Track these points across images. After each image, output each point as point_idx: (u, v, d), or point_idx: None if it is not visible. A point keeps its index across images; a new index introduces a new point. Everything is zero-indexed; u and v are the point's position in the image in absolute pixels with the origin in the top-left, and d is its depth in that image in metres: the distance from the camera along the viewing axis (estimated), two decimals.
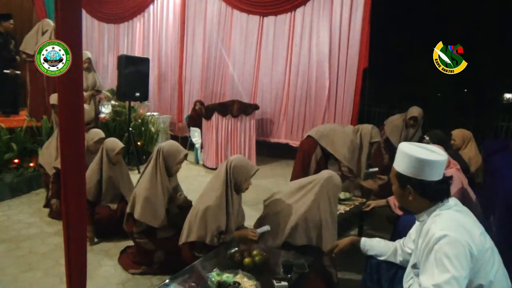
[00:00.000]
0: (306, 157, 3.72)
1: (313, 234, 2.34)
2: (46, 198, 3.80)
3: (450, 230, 1.36)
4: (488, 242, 1.43)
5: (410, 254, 1.75)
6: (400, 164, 1.55)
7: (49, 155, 3.79)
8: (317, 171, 3.64)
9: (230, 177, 2.35)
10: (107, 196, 3.21)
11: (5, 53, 5.09)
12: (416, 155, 1.48)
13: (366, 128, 3.78)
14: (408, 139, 4.54)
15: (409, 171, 1.50)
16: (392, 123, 4.65)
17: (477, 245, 1.36)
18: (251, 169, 2.41)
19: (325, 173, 2.49)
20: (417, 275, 1.47)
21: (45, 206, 3.75)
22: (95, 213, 3.11)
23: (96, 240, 3.06)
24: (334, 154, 3.66)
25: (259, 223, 2.50)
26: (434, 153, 1.50)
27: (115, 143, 3.23)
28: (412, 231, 1.78)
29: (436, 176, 1.49)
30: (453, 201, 1.52)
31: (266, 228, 2.36)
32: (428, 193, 1.50)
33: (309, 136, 3.81)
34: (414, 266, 1.54)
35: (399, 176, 1.55)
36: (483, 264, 1.37)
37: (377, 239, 1.97)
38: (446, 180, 1.53)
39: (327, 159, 3.79)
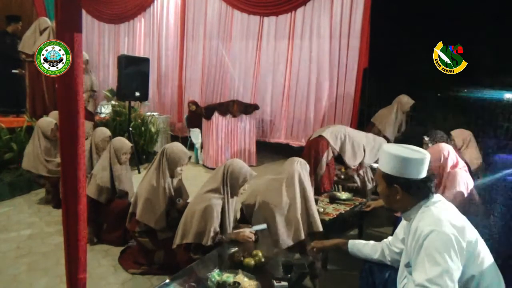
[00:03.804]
0: (316, 157, 3.69)
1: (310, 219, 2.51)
2: (52, 199, 3.80)
3: (437, 225, 1.41)
4: (474, 233, 1.48)
5: (397, 253, 1.80)
6: (385, 165, 1.60)
7: (36, 157, 3.81)
8: (326, 173, 3.65)
9: (227, 180, 2.36)
10: (120, 194, 3.19)
11: (13, 53, 5.10)
12: (401, 154, 1.54)
13: (382, 141, 3.79)
14: (401, 128, 4.62)
15: (395, 170, 1.55)
16: (384, 117, 4.69)
17: (464, 237, 1.41)
18: (248, 174, 2.42)
19: (292, 164, 2.60)
20: (411, 273, 1.50)
21: (56, 206, 3.76)
22: (101, 213, 3.09)
23: (95, 240, 3.06)
24: (344, 157, 3.66)
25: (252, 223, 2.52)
26: (418, 152, 1.57)
27: (122, 143, 3.21)
28: (399, 231, 1.83)
29: (421, 173, 1.55)
30: (437, 197, 1.57)
31: (263, 226, 2.37)
32: (415, 190, 1.55)
33: (320, 136, 3.77)
34: (407, 265, 1.56)
35: (386, 176, 1.60)
36: (473, 254, 1.42)
37: (363, 241, 2.02)
38: (430, 178, 1.59)
39: (334, 161, 3.78)
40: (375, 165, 3.71)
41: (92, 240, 3.02)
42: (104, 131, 3.67)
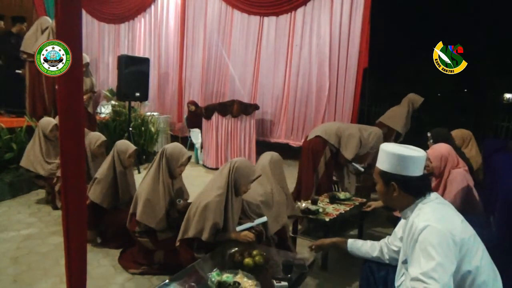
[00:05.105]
0: (316, 158, 3.69)
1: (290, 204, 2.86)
2: (52, 200, 3.79)
3: (432, 221, 1.44)
4: (470, 229, 1.51)
5: (395, 252, 1.83)
6: (383, 163, 1.63)
7: (35, 157, 3.82)
8: (325, 173, 3.67)
9: (232, 178, 2.37)
10: (125, 199, 3.09)
11: (17, 53, 5.11)
12: (398, 152, 1.57)
13: (377, 131, 3.82)
14: (409, 125, 4.88)
15: (393, 168, 1.59)
16: (396, 115, 4.84)
17: (459, 232, 1.43)
18: (252, 174, 2.44)
19: (267, 157, 2.85)
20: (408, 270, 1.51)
21: (55, 207, 3.74)
22: (105, 219, 3.02)
23: (99, 240, 3.02)
24: (343, 152, 3.67)
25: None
26: (414, 151, 1.61)
27: (126, 145, 3.12)
28: (398, 229, 1.87)
29: (417, 171, 1.58)
30: (434, 195, 1.60)
31: (263, 219, 2.46)
32: (411, 188, 1.58)
33: (317, 136, 3.78)
34: (405, 262, 1.58)
35: (383, 174, 1.63)
36: (468, 250, 1.43)
37: (362, 240, 2.05)
38: (427, 176, 1.63)
39: (332, 160, 3.78)
40: (357, 166, 3.76)
41: (96, 241, 2.99)
42: (99, 136, 3.59)
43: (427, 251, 1.38)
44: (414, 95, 4.94)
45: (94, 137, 3.57)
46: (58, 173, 3.59)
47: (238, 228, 2.37)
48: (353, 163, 3.72)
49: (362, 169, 3.75)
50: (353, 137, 3.67)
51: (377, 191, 1.70)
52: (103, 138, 3.58)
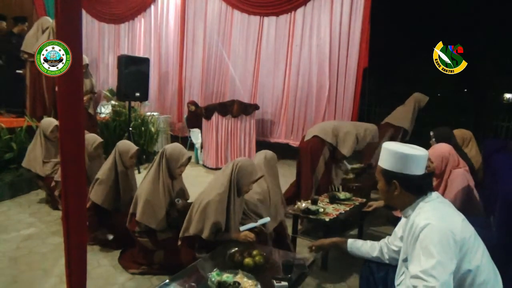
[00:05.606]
0: (314, 158, 3.70)
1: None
2: (52, 200, 3.78)
3: (433, 219, 1.44)
4: (470, 229, 1.51)
5: (395, 252, 1.83)
6: (385, 161, 1.64)
7: (35, 158, 3.83)
8: (325, 173, 3.67)
9: (234, 178, 2.38)
10: (126, 200, 3.04)
11: (18, 53, 5.11)
12: (400, 151, 1.58)
13: (372, 127, 3.85)
14: (414, 124, 4.98)
15: (394, 166, 1.60)
16: (403, 114, 4.92)
17: (459, 231, 1.43)
18: (255, 174, 2.44)
19: (261, 156, 2.88)
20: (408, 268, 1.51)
21: (54, 208, 3.74)
22: (107, 220, 3.00)
23: (111, 237, 2.96)
24: (341, 149, 3.69)
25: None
26: (416, 149, 1.62)
27: (128, 146, 3.09)
28: (398, 229, 1.87)
29: (419, 170, 1.58)
30: (435, 195, 1.61)
31: (266, 219, 2.49)
32: (413, 186, 1.58)
33: (314, 136, 3.78)
34: (405, 260, 1.59)
35: (385, 172, 1.63)
36: (468, 249, 1.44)
37: (362, 240, 2.06)
38: (428, 175, 1.64)
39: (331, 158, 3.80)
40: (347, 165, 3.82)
41: (108, 238, 2.94)
42: (95, 138, 3.55)
43: (427, 249, 1.39)
44: (420, 94, 5.00)
45: (91, 139, 3.50)
46: (57, 177, 3.58)
47: (242, 228, 2.37)
48: (344, 161, 3.81)
49: (350, 168, 3.95)
50: (350, 134, 3.69)
51: (378, 189, 1.71)
52: (99, 139, 3.54)
